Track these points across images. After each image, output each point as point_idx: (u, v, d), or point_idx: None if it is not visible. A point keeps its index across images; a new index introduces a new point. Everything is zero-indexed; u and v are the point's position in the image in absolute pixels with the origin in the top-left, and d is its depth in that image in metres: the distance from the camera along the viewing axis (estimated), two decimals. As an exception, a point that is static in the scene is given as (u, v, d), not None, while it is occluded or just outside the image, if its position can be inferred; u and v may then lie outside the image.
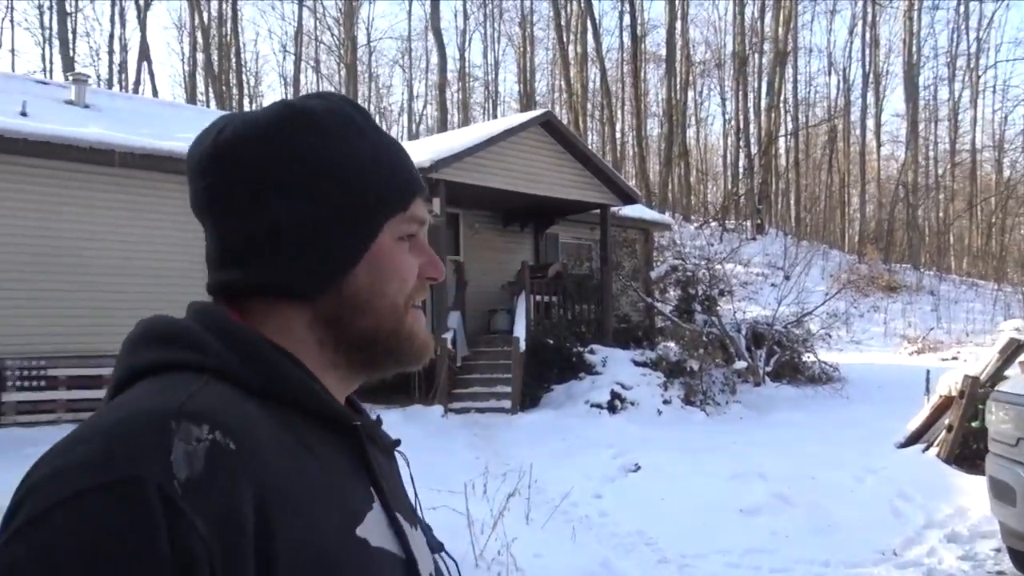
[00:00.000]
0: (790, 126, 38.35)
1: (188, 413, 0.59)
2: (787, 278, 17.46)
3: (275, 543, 0.58)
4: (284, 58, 38.95)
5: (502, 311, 13.53)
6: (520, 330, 11.62)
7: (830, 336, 15.89)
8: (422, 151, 11.98)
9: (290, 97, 0.83)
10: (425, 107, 42.13)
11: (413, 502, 0.84)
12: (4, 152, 9.01)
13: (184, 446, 0.57)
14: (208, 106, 33.05)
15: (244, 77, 38.34)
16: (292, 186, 0.73)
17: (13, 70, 30.62)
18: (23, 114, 9.96)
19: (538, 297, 12.63)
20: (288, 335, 0.74)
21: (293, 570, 0.59)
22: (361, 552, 0.66)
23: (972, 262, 37.96)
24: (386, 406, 11.05)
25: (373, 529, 0.69)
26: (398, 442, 0.85)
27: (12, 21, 41.51)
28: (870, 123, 39.47)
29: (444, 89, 36.94)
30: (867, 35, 38.13)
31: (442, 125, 35.25)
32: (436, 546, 0.85)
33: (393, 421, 9.63)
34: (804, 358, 15.11)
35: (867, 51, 38.24)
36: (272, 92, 40.92)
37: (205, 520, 0.55)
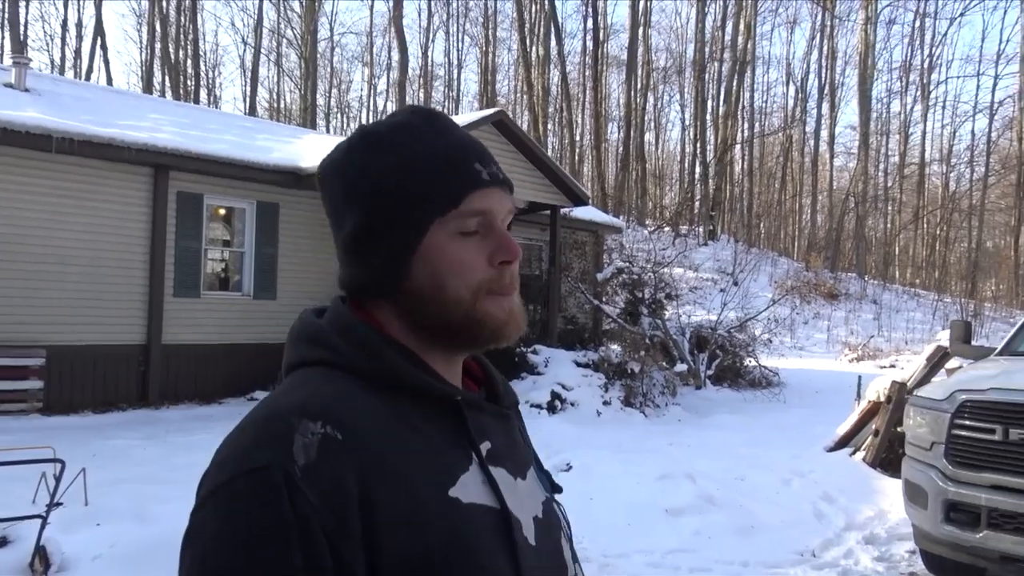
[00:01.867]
0: (746, 134, 38.89)
1: (307, 412, 0.78)
2: (735, 284, 17.69)
3: (375, 507, 0.75)
4: (244, 50, 38.36)
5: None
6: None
7: (772, 341, 16.14)
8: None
9: (363, 122, 0.94)
10: (386, 104, 41.91)
11: (528, 452, 0.99)
12: (-67, 133, 8.76)
13: (302, 439, 0.75)
14: (164, 96, 32.47)
15: (203, 68, 37.76)
16: (356, 200, 0.89)
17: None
18: (-44, 95, 9.66)
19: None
20: (392, 326, 0.90)
21: (391, 526, 0.75)
22: (452, 509, 0.80)
23: (916, 272, 38.87)
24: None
25: (467, 488, 0.82)
26: (515, 403, 1.00)
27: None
28: (824, 134, 40.24)
29: (405, 87, 36.73)
30: (824, 47, 38.85)
31: (401, 122, 34.99)
32: (555, 488, 1.01)
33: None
34: (746, 362, 15.34)
35: (824, 63, 38.98)
36: (232, 85, 40.41)
37: (317, 494, 0.73)
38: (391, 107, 40.44)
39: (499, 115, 13.51)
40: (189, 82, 35.71)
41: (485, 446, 0.88)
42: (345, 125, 41.88)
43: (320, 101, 38.53)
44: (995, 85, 51.04)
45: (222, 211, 11.99)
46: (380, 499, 0.75)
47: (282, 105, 39.83)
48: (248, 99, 36.91)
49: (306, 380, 0.84)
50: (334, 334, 0.87)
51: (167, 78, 35.10)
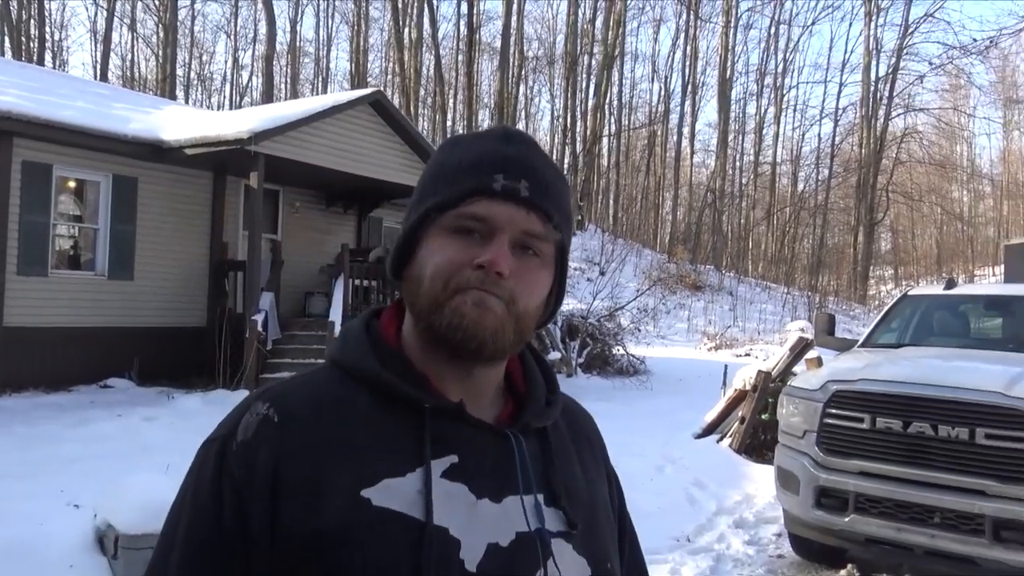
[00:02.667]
0: (613, 128, 39.85)
1: (265, 395, 0.89)
2: (603, 274, 18.09)
3: (280, 485, 0.82)
4: (96, 12, 35.67)
5: (319, 294, 13.09)
6: (337, 315, 11.28)
7: (639, 330, 16.60)
8: (242, 121, 11.33)
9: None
10: (251, 79, 40.22)
11: (530, 479, 0.91)
12: None
13: (248, 418, 0.87)
14: (3, 56, 29.79)
15: (48, 29, 34.88)
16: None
17: None
18: None
19: (357, 281, 12.30)
20: (407, 328, 0.95)
21: (288, 505, 0.81)
22: (356, 507, 0.82)
23: (767, 266, 41.14)
24: (186, 390, 10.39)
25: (388, 492, 0.83)
26: (536, 427, 0.95)
27: None
28: (686, 131, 41.79)
29: (272, 61, 35.29)
30: (688, 47, 40.27)
31: (268, 99, 33.66)
32: (571, 525, 0.91)
33: (192, 407, 9.10)
34: (614, 351, 15.72)
35: (687, 62, 40.41)
36: (81, 49, 37.57)
37: (241, 468, 0.84)
38: (257, 81, 38.90)
39: (376, 95, 13.20)
40: (32, 44, 32.91)
41: (449, 459, 0.87)
42: (207, 98, 39.91)
43: (180, 72, 36.50)
44: (840, 92, 54.58)
45: (73, 184, 11.10)
46: (286, 479, 0.82)
47: (137, 74, 37.48)
48: (99, 66, 34.43)
49: (307, 372, 0.96)
50: (345, 334, 0.97)
51: (7, 39, 32.22)
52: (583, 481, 0.99)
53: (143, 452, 6.93)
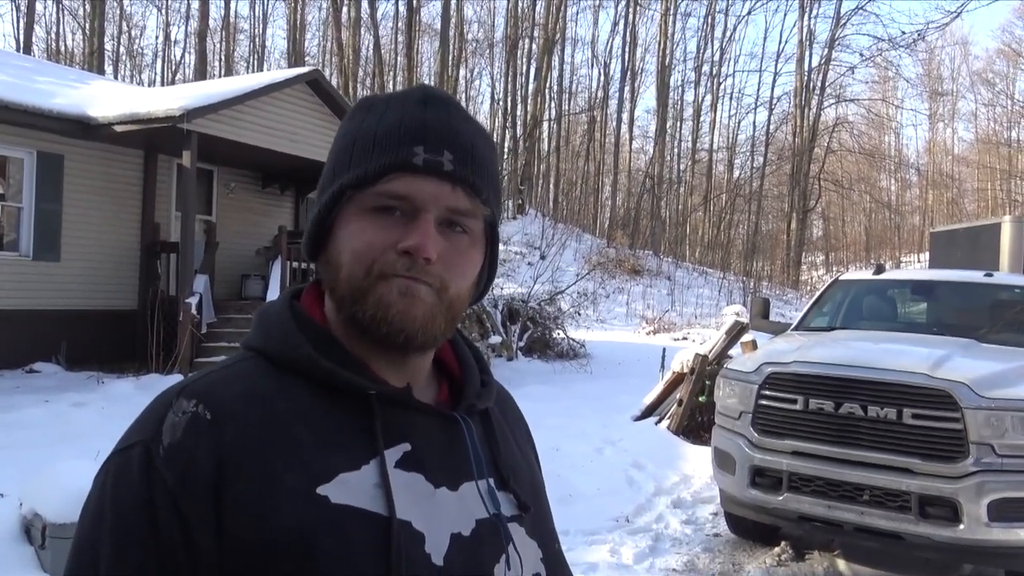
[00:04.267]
0: (554, 112, 39.90)
1: (187, 391, 0.79)
2: (543, 258, 18.14)
3: (225, 489, 0.73)
4: (13, -20, 34.05)
5: (255, 277, 12.84)
6: (274, 297, 11.08)
7: (579, 314, 16.72)
8: (174, 98, 10.99)
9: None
10: (184, 56, 39.06)
11: (481, 463, 0.88)
12: None
13: (173, 418, 0.77)
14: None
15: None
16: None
17: None
18: None
19: (295, 264, 12.10)
20: (331, 313, 0.88)
21: (235, 510, 0.73)
22: (314, 506, 0.75)
23: (704, 252, 41.85)
24: (117, 375, 10.09)
25: (345, 487, 0.77)
26: (479, 409, 0.91)
27: None
28: (625, 116, 42.07)
29: (205, 37, 34.34)
30: (627, 34, 40.48)
31: (201, 76, 32.77)
32: (522, 507, 0.89)
33: (124, 391, 8.83)
34: (555, 335, 15.81)
35: (626, 49, 40.63)
36: (2, 20, 35.89)
37: (174, 474, 0.74)
38: (190, 58, 37.81)
39: (314, 74, 12.97)
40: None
41: (402, 447, 0.82)
42: (137, 74, 38.61)
43: (108, 47, 35.21)
44: (774, 81, 55.55)
45: (-7, 161, 10.64)
46: (231, 482, 0.74)
47: (63, 48, 36.03)
48: (22, 37, 33.01)
49: (224, 363, 0.85)
50: (266, 319, 0.87)
51: (-81, 5, 30.65)
52: (524, 462, 0.98)
53: (72, 439, 6.71)
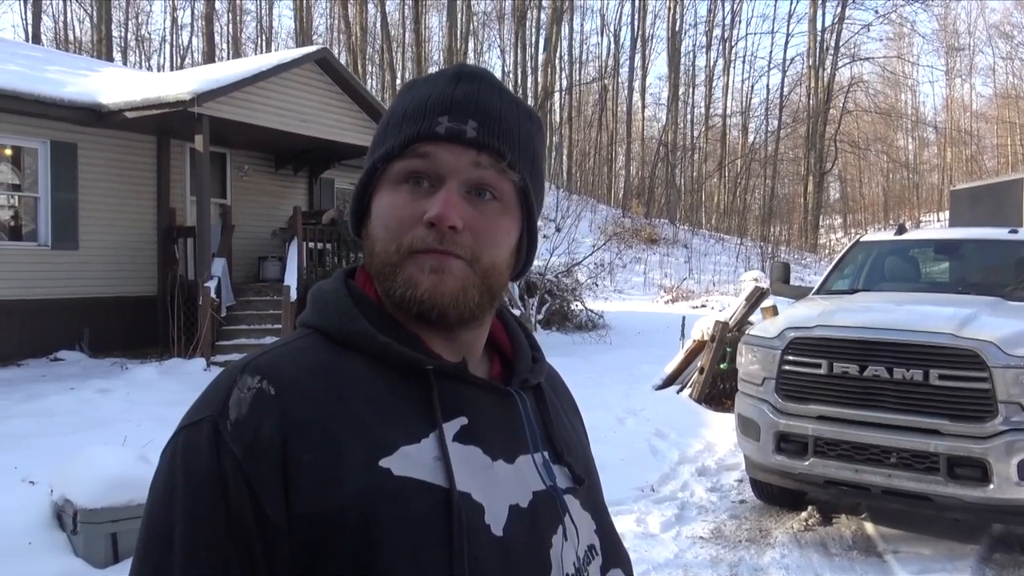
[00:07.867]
0: (565, 83, 39.59)
1: (251, 367, 0.80)
2: (558, 230, 18.07)
3: (290, 462, 0.74)
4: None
5: (273, 259, 12.87)
6: (292, 279, 11.10)
7: (596, 285, 16.67)
8: (184, 82, 10.97)
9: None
10: (191, 39, 38.95)
11: (536, 436, 0.90)
12: None
13: (238, 394, 0.78)
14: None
15: (-32, -12, 33.25)
16: None
17: None
18: None
19: (311, 244, 12.11)
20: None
21: (303, 483, 0.74)
22: (378, 478, 0.76)
23: (720, 218, 41.56)
24: (140, 360, 10.19)
25: (407, 460, 0.78)
26: (533, 383, 0.93)
27: None
28: (637, 84, 41.69)
29: (212, 20, 34.29)
30: (637, 0, 39.99)
31: (209, 59, 32.75)
32: (577, 480, 0.91)
33: (147, 377, 8.92)
34: (573, 306, 15.78)
35: (636, 15, 40.16)
36: (10, 11, 35.92)
37: (242, 448, 0.75)
38: (197, 42, 37.70)
39: (323, 53, 12.89)
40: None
41: (459, 421, 0.83)
42: (145, 60, 38.60)
43: (116, 34, 35.20)
44: (787, 43, 54.87)
45: (8, 151, 10.67)
46: (297, 455, 0.75)
47: (71, 36, 36.04)
48: (30, 28, 33.03)
49: (283, 340, 0.86)
50: (321, 297, 0.89)
51: (-73, -1, 30.70)
52: (575, 436, 0.99)
53: (99, 425, 6.79)
